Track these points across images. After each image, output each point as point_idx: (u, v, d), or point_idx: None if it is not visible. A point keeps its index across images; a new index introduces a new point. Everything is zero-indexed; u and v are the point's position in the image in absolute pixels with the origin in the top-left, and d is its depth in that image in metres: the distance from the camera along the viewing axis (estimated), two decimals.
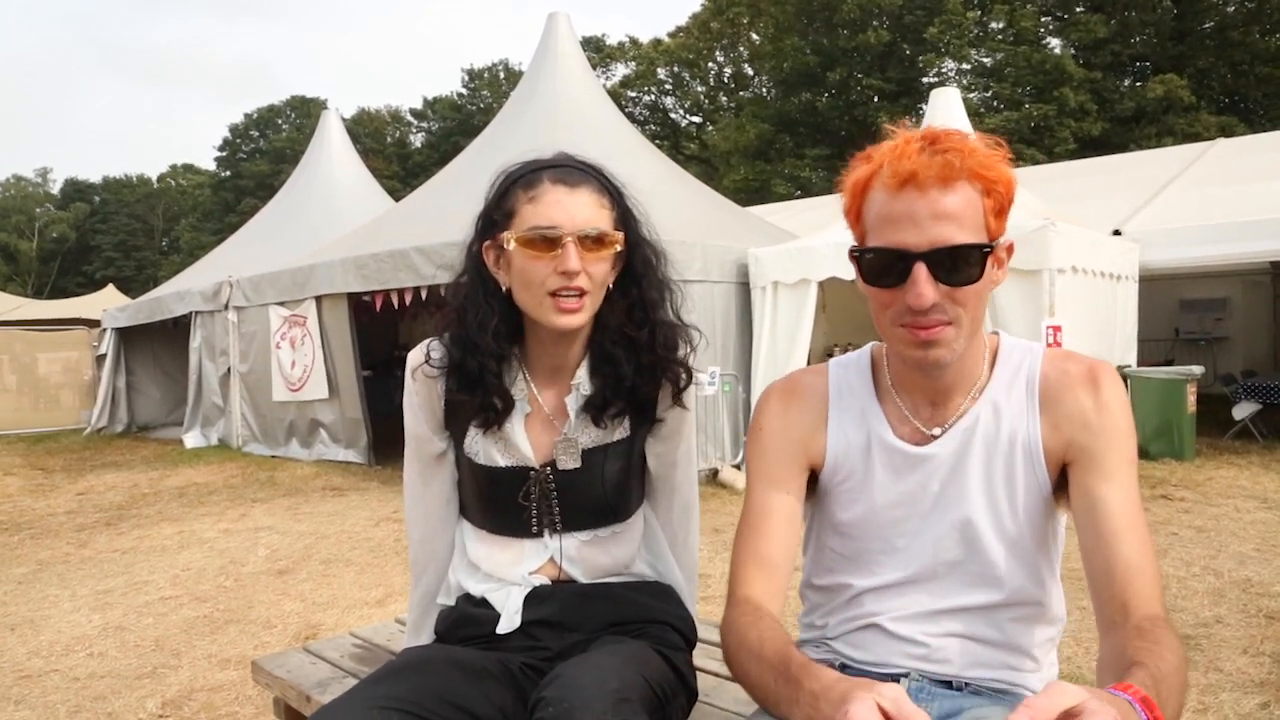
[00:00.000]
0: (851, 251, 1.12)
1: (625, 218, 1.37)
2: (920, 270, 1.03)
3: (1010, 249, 1.12)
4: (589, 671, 1.15)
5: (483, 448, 1.42)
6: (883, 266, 1.07)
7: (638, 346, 1.37)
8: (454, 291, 1.40)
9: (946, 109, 8.95)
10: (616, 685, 1.12)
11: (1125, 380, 7.58)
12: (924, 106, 10.30)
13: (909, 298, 1.04)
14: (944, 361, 1.09)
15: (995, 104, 24.72)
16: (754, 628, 1.06)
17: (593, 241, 1.29)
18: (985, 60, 25.43)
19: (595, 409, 1.38)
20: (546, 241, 1.27)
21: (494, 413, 1.38)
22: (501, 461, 1.41)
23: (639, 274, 1.38)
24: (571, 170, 1.34)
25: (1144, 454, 7.39)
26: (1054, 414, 1.13)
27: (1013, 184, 1.08)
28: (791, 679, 0.97)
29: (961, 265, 1.04)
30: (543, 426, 1.41)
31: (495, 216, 1.34)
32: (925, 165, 1.02)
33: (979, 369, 1.18)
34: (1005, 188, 1.07)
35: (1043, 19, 25.55)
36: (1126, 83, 25.66)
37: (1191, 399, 7.42)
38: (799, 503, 1.22)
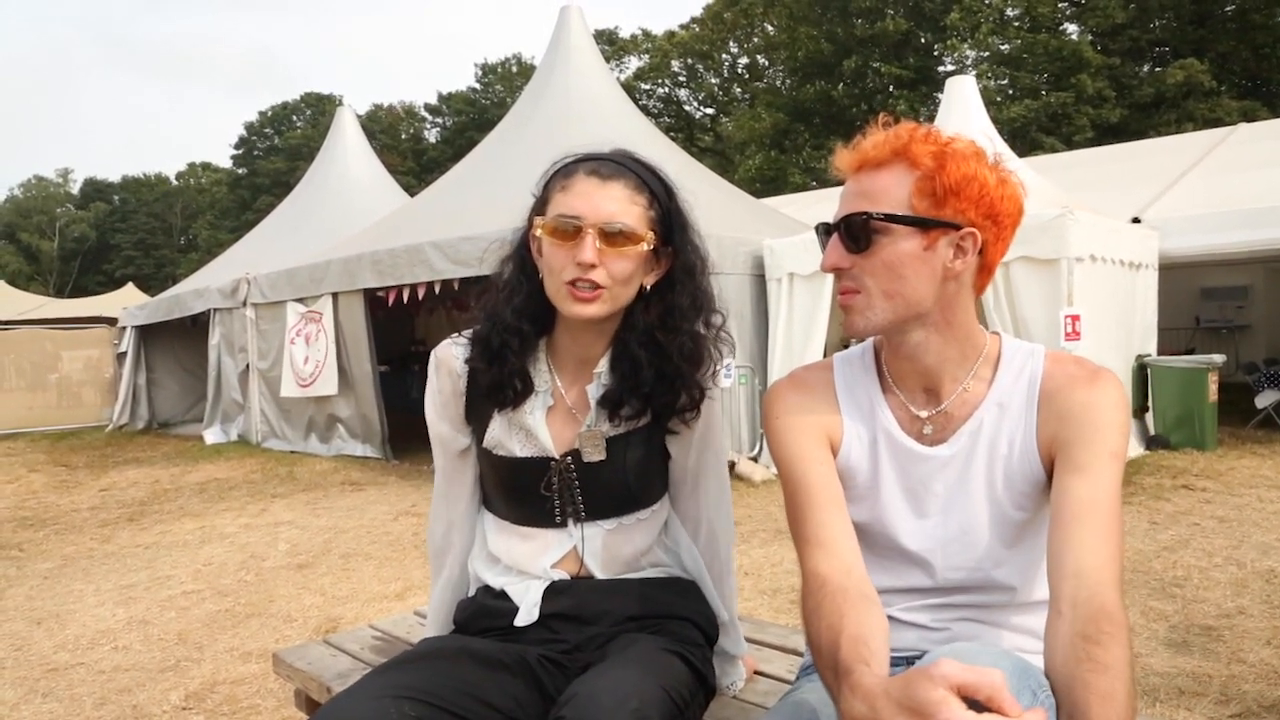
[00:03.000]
0: (815, 228, 1.23)
1: (669, 221, 1.36)
2: (833, 238, 1.15)
3: (974, 239, 1.11)
4: (607, 689, 1.14)
5: (502, 440, 1.42)
6: (822, 239, 1.19)
7: (663, 353, 1.35)
8: (498, 273, 1.43)
9: (963, 97, 8.90)
10: (636, 704, 1.11)
11: (1146, 370, 7.52)
12: (941, 95, 10.22)
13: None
14: (857, 328, 1.14)
15: (1012, 92, 24.47)
16: (814, 616, 1.04)
17: (616, 236, 1.27)
18: (1003, 48, 25.16)
19: (611, 404, 1.37)
20: (568, 230, 1.27)
21: (511, 392, 1.37)
22: (520, 453, 1.41)
23: (677, 280, 1.37)
24: (609, 163, 1.33)
25: (1165, 444, 7.33)
26: (1048, 411, 1.15)
27: (953, 170, 1.09)
28: (839, 675, 0.94)
29: (855, 233, 1.12)
30: (564, 419, 1.41)
31: (537, 203, 1.36)
32: (855, 152, 1.14)
33: (966, 357, 1.19)
34: (938, 171, 1.09)
35: (1059, 5, 25.25)
36: (1145, 68, 25.31)
37: (1213, 388, 7.34)
38: (834, 472, 1.21)
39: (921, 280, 1.11)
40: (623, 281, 1.30)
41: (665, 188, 1.37)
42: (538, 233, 1.32)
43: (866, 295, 1.13)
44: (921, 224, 1.10)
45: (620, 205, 1.29)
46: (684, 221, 1.38)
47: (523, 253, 1.40)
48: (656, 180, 1.36)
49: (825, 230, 1.18)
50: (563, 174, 1.34)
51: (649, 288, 1.36)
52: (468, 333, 1.43)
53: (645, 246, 1.31)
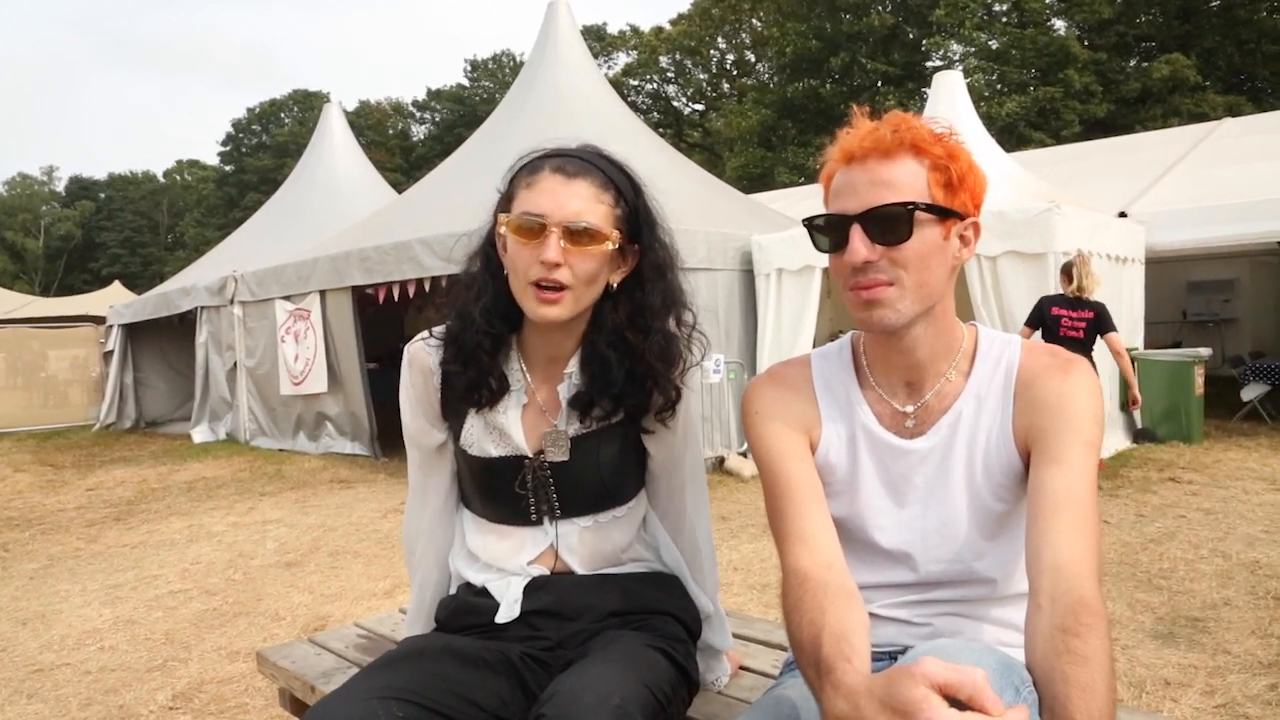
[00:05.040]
0: (804, 222, 1.19)
1: (636, 218, 1.34)
2: (855, 230, 1.10)
3: (975, 228, 1.14)
4: (589, 686, 1.13)
5: (477, 439, 1.41)
6: (827, 232, 1.15)
7: (634, 352, 1.34)
8: (465, 271, 1.41)
9: (950, 92, 8.91)
10: (618, 701, 1.11)
11: (1134, 363, 7.56)
12: (928, 90, 10.23)
13: (846, 256, 1.11)
14: (889, 322, 1.11)
15: (1000, 87, 24.54)
16: (795, 612, 1.04)
17: (581, 235, 1.26)
18: (991, 44, 25.23)
19: (581, 406, 1.37)
20: (533, 229, 1.25)
21: (487, 392, 1.37)
22: (494, 452, 1.40)
23: (646, 278, 1.36)
24: (574, 160, 1.31)
25: (1152, 437, 7.37)
26: (1023, 401, 1.15)
27: (962, 161, 1.11)
28: (821, 673, 0.94)
29: (891, 224, 1.09)
30: (536, 417, 1.41)
31: (502, 200, 1.34)
32: (863, 140, 1.11)
33: (951, 349, 1.19)
34: (950, 162, 1.10)
35: (1047, 0, 25.32)
36: (1132, 63, 25.42)
37: (1199, 381, 7.39)
38: (813, 467, 1.21)
39: (942, 270, 1.12)
40: (587, 281, 1.29)
41: (632, 185, 1.36)
42: (502, 230, 1.30)
43: (900, 288, 1.10)
44: (948, 214, 1.10)
45: (585, 204, 1.27)
46: (651, 219, 1.37)
47: (488, 250, 1.38)
48: (623, 177, 1.35)
49: (837, 223, 1.12)
50: (528, 170, 1.32)
51: (615, 286, 1.35)
52: (439, 331, 1.42)
53: (611, 245, 1.29)
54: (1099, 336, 5.57)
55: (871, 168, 1.10)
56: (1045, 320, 5.51)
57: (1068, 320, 5.49)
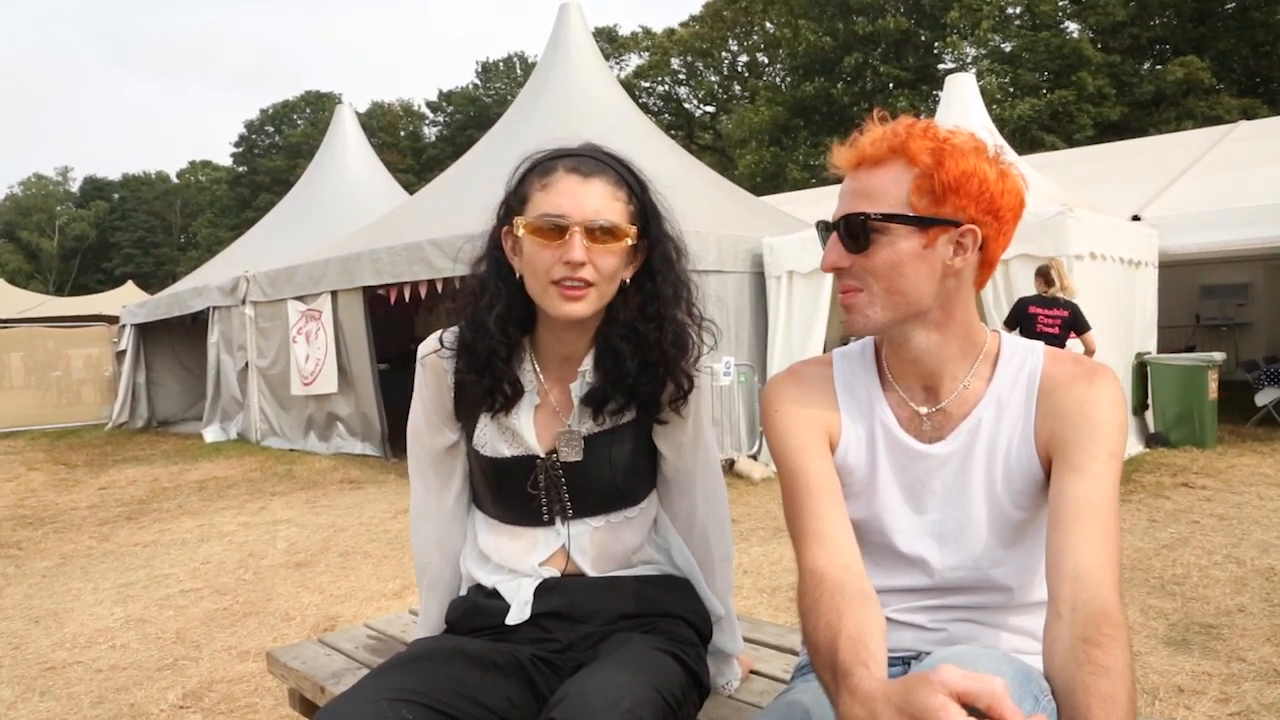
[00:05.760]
0: (816, 225, 1.23)
1: (645, 213, 1.36)
2: (832, 237, 1.15)
3: (973, 235, 1.10)
4: (599, 690, 1.13)
5: (490, 440, 1.41)
6: (822, 236, 1.19)
7: (646, 343, 1.35)
8: (472, 276, 1.41)
9: (962, 95, 8.88)
10: (629, 705, 1.11)
11: (1146, 367, 7.52)
12: (940, 93, 10.20)
13: (822, 262, 1.17)
14: (858, 326, 1.14)
15: (1012, 90, 24.44)
16: (811, 613, 1.04)
17: (601, 233, 1.27)
18: (1004, 46, 25.14)
19: (595, 402, 1.37)
20: (554, 230, 1.26)
21: (502, 398, 1.37)
22: (507, 453, 1.41)
23: (656, 270, 1.37)
24: (587, 160, 1.32)
25: (1165, 441, 7.32)
26: (1046, 409, 1.14)
27: (952, 168, 1.07)
28: (838, 677, 0.93)
29: (854, 232, 1.12)
30: (549, 417, 1.41)
31: (512, 203, 1.34)
32: (849, 148, 1.14)
33: (967, 355, 1.18)
34: (936, 169, 1.07)
35: (1060, 2, 25.21)
36: (1146, 66, 25.30)
37: (1213, 386, 7.33)
38: (832, 467, 1.20)
39: (921, 278, 1.11)
40: (609, 277, 1.30)
41: (639, 181, 1.37)
42: (519, 232, 1.30)
43: (868, 294, 1.12)
44: (920, 223, 1.09)
45: (604, 202, 1.29)
46: (658, 212, 1.38)
47: (496, 254, 1.38)
48: (631, 174, 1.36)
49: (825, 228, 1.17)
50: (540, 172, 1.32)
51: (628, 281, 1.36)
52: (449, 339, 1.41)
53: (630, 241, 1.31)
54: (1076, 335, 5.92)
55: (859, 176, 1.13)
56: (1023, 318, 5.88)
57: (1044, 317, 5.87)
